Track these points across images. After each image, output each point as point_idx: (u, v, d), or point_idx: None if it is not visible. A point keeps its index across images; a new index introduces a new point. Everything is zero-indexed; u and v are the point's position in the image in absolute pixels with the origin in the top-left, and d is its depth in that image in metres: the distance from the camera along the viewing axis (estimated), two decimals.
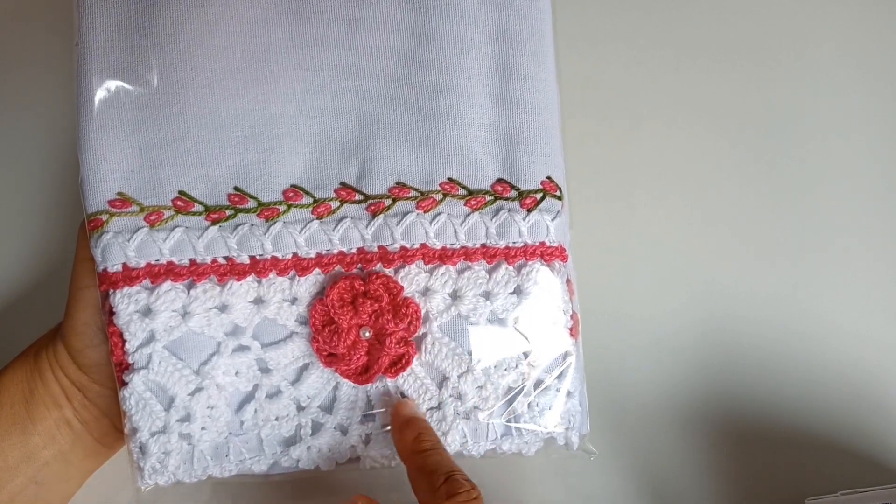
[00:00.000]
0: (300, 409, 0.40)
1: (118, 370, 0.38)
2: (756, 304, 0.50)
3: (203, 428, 0.39)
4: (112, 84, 0.38)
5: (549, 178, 0.40)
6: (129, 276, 0.38)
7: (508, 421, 0.40)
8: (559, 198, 0.40)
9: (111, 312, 0.38)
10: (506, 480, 0.46)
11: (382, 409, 0.40)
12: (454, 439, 0.39)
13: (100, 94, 0.38)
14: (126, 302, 0.38)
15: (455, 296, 0.39)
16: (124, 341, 0.38)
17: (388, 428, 0.40)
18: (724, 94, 0.53)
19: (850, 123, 0.52)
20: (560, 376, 0.40)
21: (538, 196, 0.39)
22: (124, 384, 0.38)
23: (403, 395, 0.40)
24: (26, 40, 0.51)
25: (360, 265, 0.39)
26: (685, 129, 0.52)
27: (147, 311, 0.38)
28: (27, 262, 0.49)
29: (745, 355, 0.49)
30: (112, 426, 0.41)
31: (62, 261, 0.48)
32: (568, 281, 0.41)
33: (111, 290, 0.38)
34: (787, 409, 0.48)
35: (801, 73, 0.53)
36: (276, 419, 0.39)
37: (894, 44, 0.53)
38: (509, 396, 0.40)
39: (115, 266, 0.38)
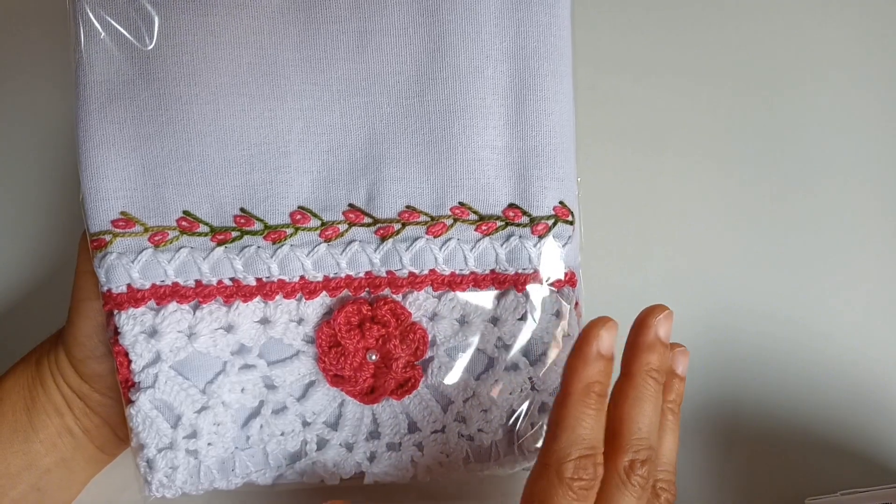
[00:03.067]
0: (305, 424, 0.40)
1: (124, 387, 0.38)
2: (755, 305, 0.49)
3: (209, 444, 0.39)
4: (112, 98, 0.36)
5: (561, 202, 0.39)
6: (134, 297, 0.37)
7: (511, 442, 0.40)
8: (571, 223, 0.39)
9: (116, 332, 0.37)
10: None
11: (388, 429, 0.40)
12: (457, 460, 0.40)
13: (99, 108, 0.36)
14: (131, 323, 0.37)
15: (463, 321, 0.39)
16: (130, 361, 0.38)
17: (393, 448, 0.40)
18: (727, 97, 0.52)
19: (852, 125, 0.52)
20: None
21: (550, 222, 0.38)
22: (130, 402, 0.38)
23: (409, 416, 0.40)
24: (30, 43, 0.49)
25: (367, 289, 0.39)
26: (687, 130, 0.51)
27: (153, 332, 0.37)
28: (28, 265, 0.48)
29: (744, 355, 0.49)
30: (113, 434, 0.41)
31: (63, 263, 0.47)
32: (576, 304, 0.40)
33: (116, 311, 0.37)
34: (787, 409, 0.48)
35: (802, 77, 0.52)
36: (282, 434, 0.40)
37: None
38: (513, 419, 0.40)
39: (119, 287, 0.37)
